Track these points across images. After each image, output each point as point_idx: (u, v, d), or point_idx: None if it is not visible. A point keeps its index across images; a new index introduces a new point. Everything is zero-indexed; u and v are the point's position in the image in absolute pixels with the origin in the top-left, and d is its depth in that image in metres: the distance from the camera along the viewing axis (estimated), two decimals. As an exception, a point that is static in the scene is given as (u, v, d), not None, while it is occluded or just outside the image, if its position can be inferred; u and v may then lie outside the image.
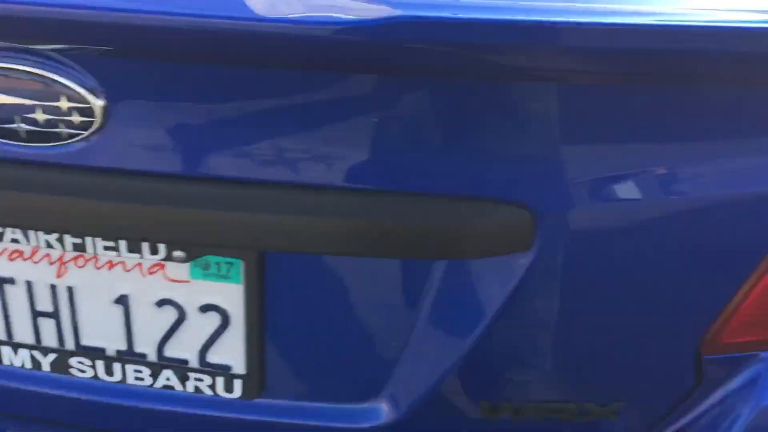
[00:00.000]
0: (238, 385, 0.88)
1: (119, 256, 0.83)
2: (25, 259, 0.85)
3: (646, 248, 0.73)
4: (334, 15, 0.62)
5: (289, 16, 0.62)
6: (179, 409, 0.90)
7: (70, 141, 0.73)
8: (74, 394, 0.92)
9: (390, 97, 0.69)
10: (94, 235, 0.82)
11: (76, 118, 0.71)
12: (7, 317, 0.89)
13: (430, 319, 0.81)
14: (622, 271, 0.74)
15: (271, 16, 0.62)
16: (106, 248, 0.83)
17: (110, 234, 0.81)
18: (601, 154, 0.71)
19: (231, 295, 0.83)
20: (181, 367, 0.88)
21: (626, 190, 0.71)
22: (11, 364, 0.93)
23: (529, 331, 0.79)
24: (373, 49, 0.64)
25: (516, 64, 0.66)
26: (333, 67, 0.68)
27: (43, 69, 0.70)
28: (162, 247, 0.81)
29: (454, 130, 0.71)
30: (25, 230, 0.83)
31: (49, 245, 0.83)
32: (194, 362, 0.88)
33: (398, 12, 0.61)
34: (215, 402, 0.90)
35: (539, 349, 0.79)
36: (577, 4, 0.64)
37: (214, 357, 0.87)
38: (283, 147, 0.73)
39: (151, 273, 0.84)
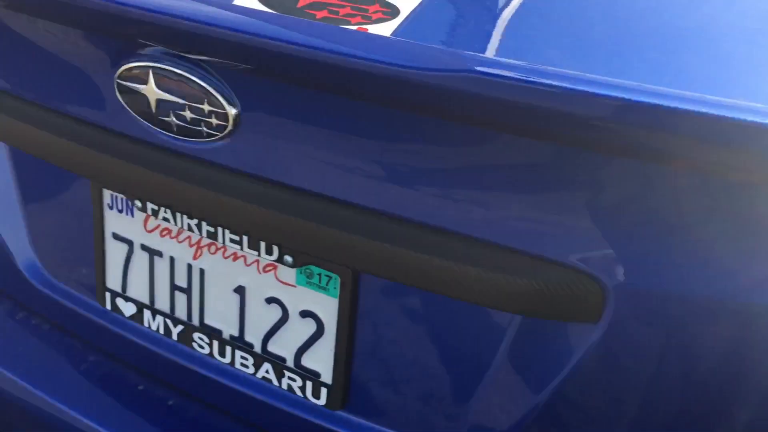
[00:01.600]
0: (324, 393, 0.97)
1: (242, 250, 0.97)
2: (172, 237, 1.03)
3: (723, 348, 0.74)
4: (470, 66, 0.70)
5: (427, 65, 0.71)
6: (273, 403, 1.00)
7: (207, 139, 0.89)
8: (193, 366, 1.07)
9: (495, 154, 0.76)
10: (222, 226, 0.96)
11: (214, 121, 0.87)
12: (152, 285, 1.08)
13: (500, 370, 0.84)
14: (697, 366, 0.75)
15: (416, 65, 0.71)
16: (232, 241, 0.98)
17: (233, 227, 0.93)
18: (685, 240, 0.72)
19: (327, 307, 0.93)
20: (279, 364, 1.00)
21: (712, 279, 0.72)
22: (148, 327, 1.11)
23: (594, 402, 0.81)
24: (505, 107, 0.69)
25: (605, 138, 0.68)
26: (446, 115, 0.75)
27: (194, 75, 0.86)
28: (275, 250, 0.94)
29: (549, 195, 0.75)
30: (173, 211, 1.00)
31: (190, 229, 1.00)
32: (290, 362, 0.99)
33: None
34: (302, 404, 0.99)
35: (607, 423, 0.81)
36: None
37: (307, 361, 0.98)
38: (390, 180, 0.82)
39: (265, 271, 0.97)
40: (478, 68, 0.69)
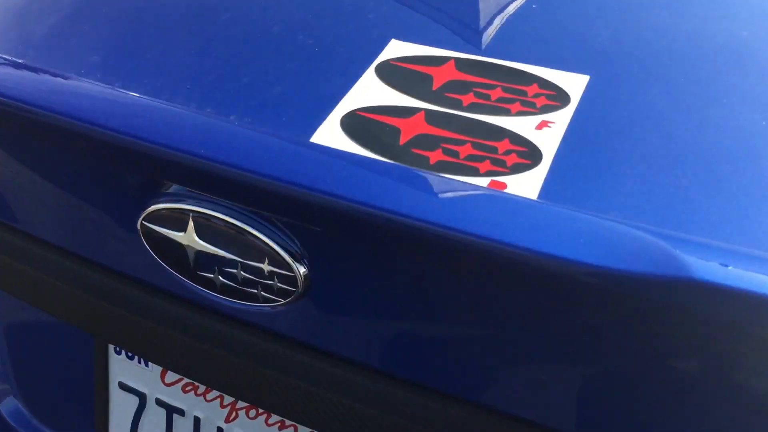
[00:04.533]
0: None
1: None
2: (197, 395, 0.85)
3: None
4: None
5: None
6: None
7: (263, 304, 0.70)
8: None
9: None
10: (253, 404, 0.78)
11: (276, 285, 0.68)
12: None
13: None
14: None
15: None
16: None
17: (271, 407, 0.76)
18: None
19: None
20: None
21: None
22: None
23: None
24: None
25: None
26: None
27: (254, 227, 0.67)
28: None
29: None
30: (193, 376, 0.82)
31: None
32: None
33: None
34: None
35: None
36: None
37: None
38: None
39: None
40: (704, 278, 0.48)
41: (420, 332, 0.66)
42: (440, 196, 0.56)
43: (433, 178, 0.58)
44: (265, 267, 0.68)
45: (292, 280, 0.68)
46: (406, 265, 0.63)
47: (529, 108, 0.65)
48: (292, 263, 0.67)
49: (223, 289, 0.72)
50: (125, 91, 0.72)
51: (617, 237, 0.51)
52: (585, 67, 0.69)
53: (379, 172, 0.60)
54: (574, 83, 0.67)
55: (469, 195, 0.56)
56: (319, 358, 0.71)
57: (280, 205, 0.64)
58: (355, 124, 0.65)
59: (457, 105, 0.67)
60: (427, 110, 0.66)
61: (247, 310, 0.73)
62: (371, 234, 0.60)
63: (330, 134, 0.64)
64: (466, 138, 0.63)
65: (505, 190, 0.57)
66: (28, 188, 0.84)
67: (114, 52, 0.78)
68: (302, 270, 0.67)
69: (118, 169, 0.74)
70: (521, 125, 0.64)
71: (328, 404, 0.70)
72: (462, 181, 0.58)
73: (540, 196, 0.57)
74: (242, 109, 0.69)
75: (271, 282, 0.69)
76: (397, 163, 0.61)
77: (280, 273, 0.68)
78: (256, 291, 0.70)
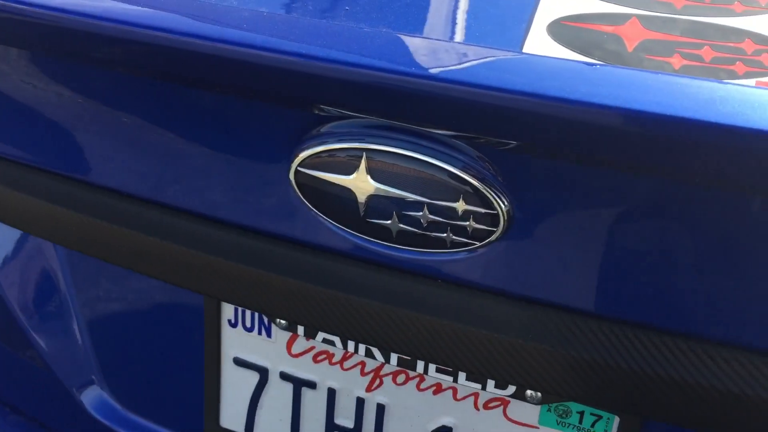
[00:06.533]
0: None
1: (455, 381, 0.73)
2: (332, 363, 0.77)
3: None
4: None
5: None
6: None
7: (451, 250, 0.61)
8: None
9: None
10: (431, 361, 0.69)
11: (471, 225, 0.60)
12: (296, 424, 0.81)
13: None
14: None
15: None
16: (440, 370, 0.72)
17: (453, 364, 0.67)
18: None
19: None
20: None
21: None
22: None
23: None
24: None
25: None
26: None
27: (445, 161, 0.58)
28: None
29: None
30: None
31: (369, 354, 0.74)
32: None
33: None
34: None
35: None
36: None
37: None
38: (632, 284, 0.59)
39: (487, 408, 0.73)
40: None
41: (663, 271, 0.58)
42: (707, 97, 0.48)
43: (690, 80, 0.50)
44: (460, 206, 0.60)
45: (492, 219, 0.60)
46: (654, 188, 0.55)
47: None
48: (493, 199, 0.59)
49: (401, 238, 0.63)
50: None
51: None
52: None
53: (622, 77, 0.51)
54: None
55: (747, 97, 0.48)
56: (525, 307, 0.63)
57: (500, 122, 0.55)
58: (566, 33, 0.57)
59: (670, 8, 0.59)
60: (639, 15, 0.58)
61: (426, 259, 0.64)
62: (616, 147, 0.52)
63: (541, 44, 0.56)
64: (701, 41, 0.55)
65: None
66: (148, 141, 0.74)
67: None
68: (504, 205, 0.59)
69: (270, 104, 0.64)
70: (758, 25, 0.56)
71: (538, 357, 0.62)
72: (727, 82, 0.50)
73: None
74: (420, 25, 0.60)
75: (465, 223, 0.61)
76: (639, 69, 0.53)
77: (477, 212, 0.60)
78: (444, 235, 0.62)
